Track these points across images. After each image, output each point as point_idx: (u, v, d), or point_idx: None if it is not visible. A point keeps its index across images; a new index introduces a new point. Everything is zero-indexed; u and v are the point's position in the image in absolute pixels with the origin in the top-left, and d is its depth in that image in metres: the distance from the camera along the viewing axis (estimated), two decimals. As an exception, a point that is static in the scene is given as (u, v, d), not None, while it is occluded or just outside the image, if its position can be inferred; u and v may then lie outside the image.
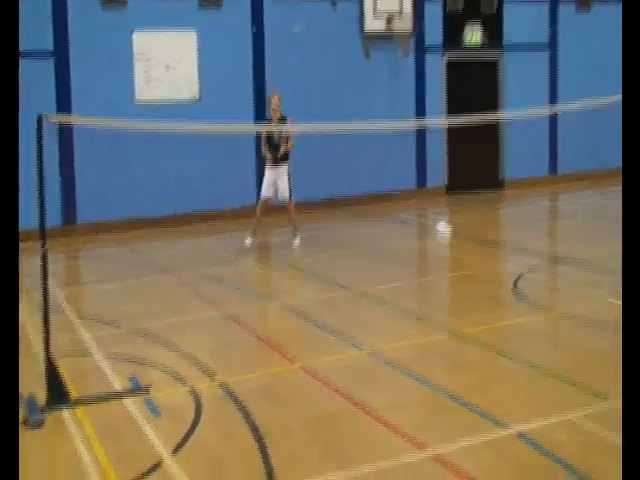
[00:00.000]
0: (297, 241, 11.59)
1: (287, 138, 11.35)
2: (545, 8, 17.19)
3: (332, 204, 15.06)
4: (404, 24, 15.59)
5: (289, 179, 11.69)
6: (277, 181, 11.52)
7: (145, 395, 5.80)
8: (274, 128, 11.37)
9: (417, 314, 7.85)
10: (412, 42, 15.90)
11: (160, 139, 12.80)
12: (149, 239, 12.86)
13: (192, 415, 5.45)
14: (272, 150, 11.44)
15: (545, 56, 17.21)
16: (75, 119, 10.82)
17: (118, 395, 5.84)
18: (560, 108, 16.05)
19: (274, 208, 12.11)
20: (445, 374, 6.25)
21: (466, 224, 12.83)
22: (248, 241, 11.53)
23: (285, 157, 11.53)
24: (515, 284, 8.62)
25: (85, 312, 8.54)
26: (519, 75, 16.75)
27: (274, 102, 11.58)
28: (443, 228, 11.99)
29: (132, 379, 6.13)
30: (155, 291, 9.43)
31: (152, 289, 9.54)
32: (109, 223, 13.53)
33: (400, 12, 15.52)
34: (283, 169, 11.55)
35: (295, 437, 5.14)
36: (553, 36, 17.24)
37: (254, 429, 5.17)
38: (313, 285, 9.30)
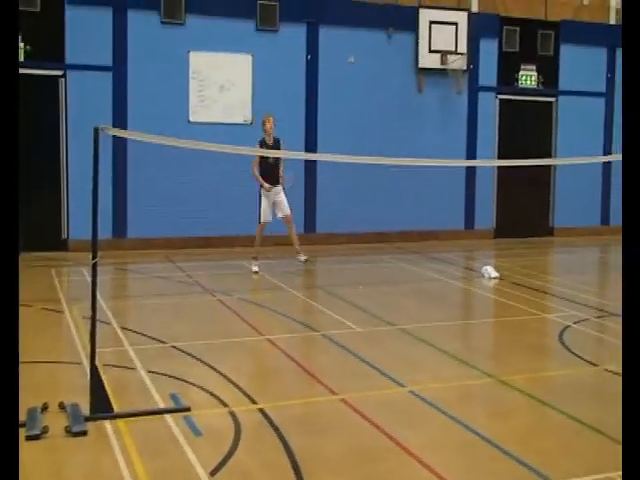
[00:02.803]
0: (303, 256, 12.02)
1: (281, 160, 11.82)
2: (603, 52, 17.11)
3: (379, 239, 15.04)
4: (459, 61, 15.63)
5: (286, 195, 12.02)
6: (276, 201, 11.89)
7: (185, 414, 5.80)
8: (276, 153, 11.64)
9: (459, 356, 7.75)
10: (466, 80, 15.92)
11: (212, 160, 12.96)
12: (195, 258, 12.98)
13: (231, 438, 5.43)
14: (270, 174, 11.76)
15: (601, 102, 17.11)
16: (131, 133, 11.00)
17: (159, 411, 5.84)
18: (614, 157, 15.94)
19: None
20: (486, 420, 6.14)
21: (513, 269, 12.70)
22: (255, 267, 11.83)
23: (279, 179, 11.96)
24: (561, 335, 8.50)
25: (130, 326, 8.59)
26: (574, 120, 16.65)
27: (269, 125, 11.87)
28: (490, 272, 11.88)
29: (173, 396, 6.13)
30: (199, 310, 9.52)
31: (196, 308, 9.64)
32: (157, 239, 13.69)
33: (455, 49, 15.58)
34: (279, 189, 11.93)
35: (332, 469, 5.09)
36: (610, 82, 17.14)
37: (292, 458, 5.13)
38: (356, 317, 9.25)
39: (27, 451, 5.01)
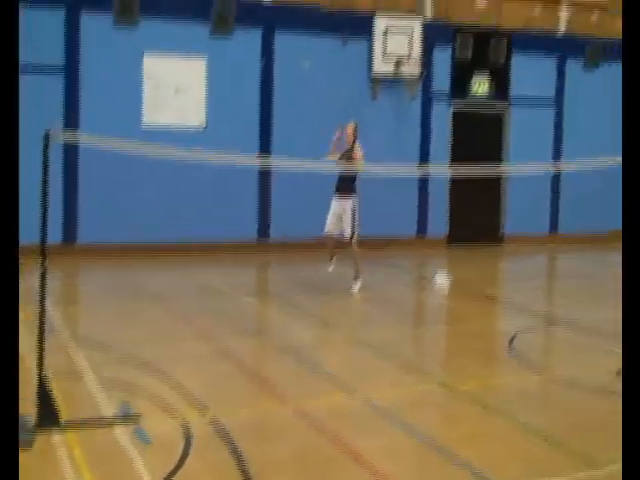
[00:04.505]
0: (357, 285, 11.03)
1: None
2: (553, 62, 17.37)
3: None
4: (412, 68, 15.72)
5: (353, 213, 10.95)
6: (343, 215, 10.88)
7: (135, 423, 5.74)
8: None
9: (410, 364, 7.81)
10: (419, 87, 16.03)
11: (165, 164, 12.84)
12: (148, 264, 12.86)
13: (181, 446, 5.39)
14: (342, 183, 10.83)
15: (551, 111, 17.38)
16: (82, 137, 10.83)
17: (109, 421, 5.78)
18: (563, 166, 16.24)
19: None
20: (437, 426, 6.21)
21: (464, 277, 12.82)
22: (330, 268, 11.19)
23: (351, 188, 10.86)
24: (510, 342, 8.60)
25: (80, 334, 8.48)
26: (524, 128, 16.89)
27: (350, 131, 10.98)
28: (441, 280, 11.86)
29: (123, 405, 6.06)
30: (150, 318, 9.39)
31: (148, 316, 9.51)
32: (109, 245, 13.51)
33: (409, 56, 15.67)
34: (349, 201, 10.88)
35: (283, 477, 5.09)
36: (559, 91, 17.43)
37: (243, 466, 5.11)
38: (305, 325, 9.26)
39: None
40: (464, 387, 6.94)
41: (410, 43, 15.67)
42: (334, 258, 11.14)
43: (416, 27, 15.73)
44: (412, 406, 6.54)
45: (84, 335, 8.38)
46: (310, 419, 6.03)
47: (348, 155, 10.81)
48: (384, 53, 15.55)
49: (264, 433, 5.98)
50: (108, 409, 6.04)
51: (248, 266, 13.67)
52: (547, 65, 17.30)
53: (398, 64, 15.58)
